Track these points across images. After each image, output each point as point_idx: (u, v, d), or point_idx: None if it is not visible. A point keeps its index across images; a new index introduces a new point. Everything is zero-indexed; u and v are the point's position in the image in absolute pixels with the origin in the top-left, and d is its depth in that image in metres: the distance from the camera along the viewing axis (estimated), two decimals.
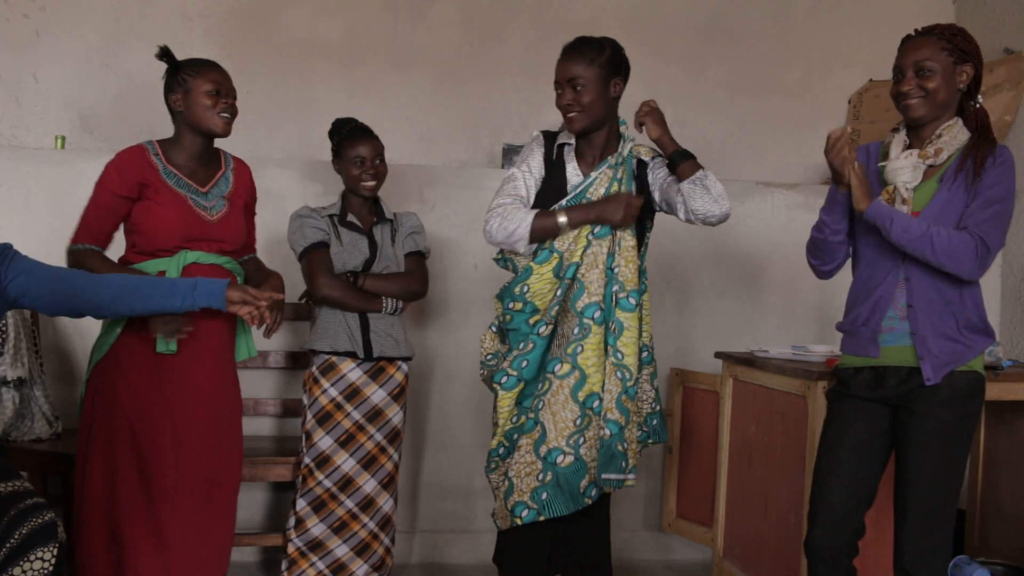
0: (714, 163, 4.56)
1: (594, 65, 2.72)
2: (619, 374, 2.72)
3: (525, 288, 2.75)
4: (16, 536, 2.22)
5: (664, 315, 4.09)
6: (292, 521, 3.20)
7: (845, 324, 2.63)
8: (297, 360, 3.78)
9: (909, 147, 2.53)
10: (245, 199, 2.92)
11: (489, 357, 2.95)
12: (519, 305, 2.78)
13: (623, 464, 2.73)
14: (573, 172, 2.83)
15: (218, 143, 2.88)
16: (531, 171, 2.83)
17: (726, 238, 4.17)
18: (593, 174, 2.77)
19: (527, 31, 4.58)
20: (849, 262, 2.70)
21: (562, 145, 2.85)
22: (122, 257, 2.78)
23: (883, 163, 2.54)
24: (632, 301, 2.73)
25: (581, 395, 2.71)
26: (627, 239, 2.75)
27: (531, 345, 2.78)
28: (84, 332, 3.62)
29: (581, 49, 2.74)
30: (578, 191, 2.77)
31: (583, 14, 4.56)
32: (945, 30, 2.47)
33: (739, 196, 4.24)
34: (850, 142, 2.45)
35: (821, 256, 2.67)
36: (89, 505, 2.68)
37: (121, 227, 2.80)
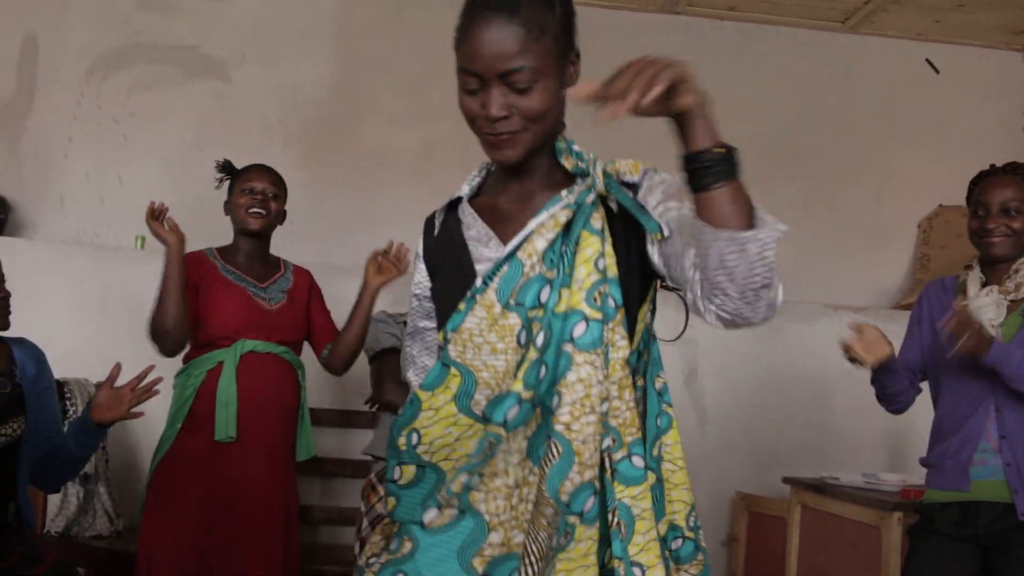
0: (782, 284, 4.56)
1: (544, 38, 1.39)
2: None
3: (414, 437, 1.45)
4: None
5: (729, 437, 4.02)
6: None
7: (931, 458, 2.55)
8: (356, 467, 3.76)
9: (985, 283, 2.51)
10: (307, 295, 2.98)
11: (371, 560, 1.52)
12: (407, 474, 1.47)
13: None
14: (480, 236, 1.51)
15: (282, 251, 2.96)
16: (419, 290, 1.62)
17: (794, 359, 4.11)
18: (524, 231, 1.41)
19: (596, 147, 4.64)
20: (926, 394, 2.66)
21: (453, 204, 1.57)
22: (186, 355, 2.83)
23: (964, 303, 2.51)
24: (639, 464, 1.39)
25: None
26: (616, 341, 1.39)
27: (408, 547, 1.45)
28: (150, 428, 3.64)
29: (516, 7, 1.37)
30: (501, 270, 1.41)
31: (651, 134, 4.61)
32: None
33: (807, 318, 4.20)
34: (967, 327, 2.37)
35: (886, 402, 2.68)
36: None
37: None
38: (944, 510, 2.46)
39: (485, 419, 1.39)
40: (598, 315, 1.36)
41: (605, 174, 1.44)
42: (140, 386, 2.43)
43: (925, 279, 4.23)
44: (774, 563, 3.65)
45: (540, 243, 1.40)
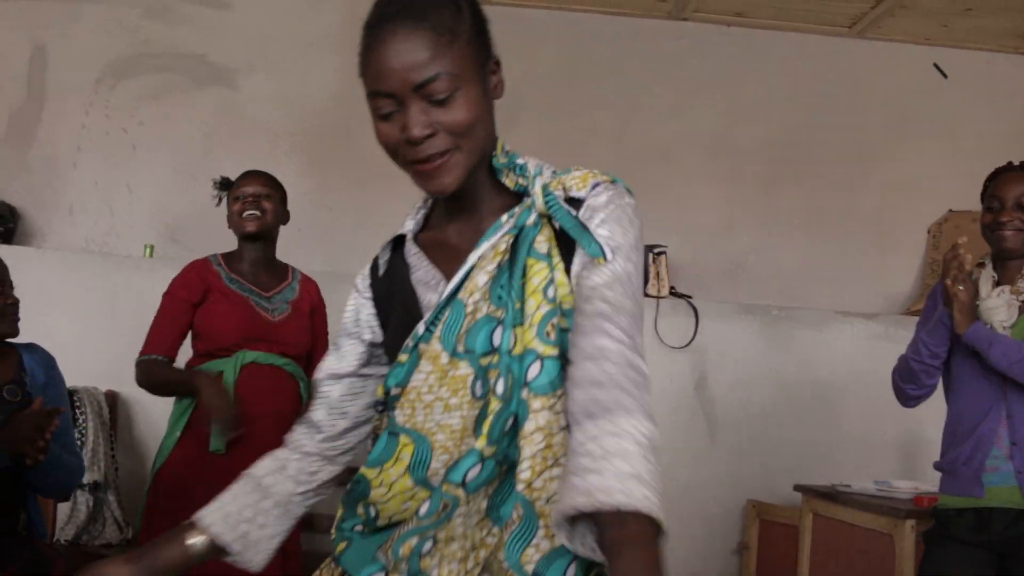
0: (790, 290, 4.57)
1: (457, 41, 1.20)
2: None
3: (371, 510, 1.30)
4: None
5: (740, 444, 4.00)
6: None
7: (944, 463, 2.54)
8: None
9: (997, 283, 2.49)
10: (310, 308, 2.96)
11: None
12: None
13: None
14: (428, 278, 1.33)
15: (289, 259, 2.96)
16: (355, 331, 1.39)
17: (804, 366, 4.10)
18: (464, 267, 1.25)
19: (605, 154, 4.64)
20: (939, 396, 2.63)
21: (397, 240, 1.40)
22: (188, 362, 2.83)
23: (976, 302, 2.49)
24: None
25: None
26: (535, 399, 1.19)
27: None
28: (160, 437, 3.64)
29: (422, 13, 1.19)
30: (443, 315, 1.25)
31: (659, 140, 4.63)
32: None
33: (817, 325, 4.18)
34: (960, 264, 2.41)
35: (915, 379, 2.57)
36: None
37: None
38: (959, 516, 2.44)
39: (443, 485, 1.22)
40: (553, 351, 1.18)
41: (544, 190, 1.24)
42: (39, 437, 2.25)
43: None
44: (786, 571, 3.63)
45: (481, 278, 1.22)
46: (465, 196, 1.28)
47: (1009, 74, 4.80)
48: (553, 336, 1.18)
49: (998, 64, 4.80)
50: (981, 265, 2.57)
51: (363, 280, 1.39)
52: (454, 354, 1.22)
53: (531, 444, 1.15)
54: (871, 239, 4.72)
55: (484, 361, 1.21)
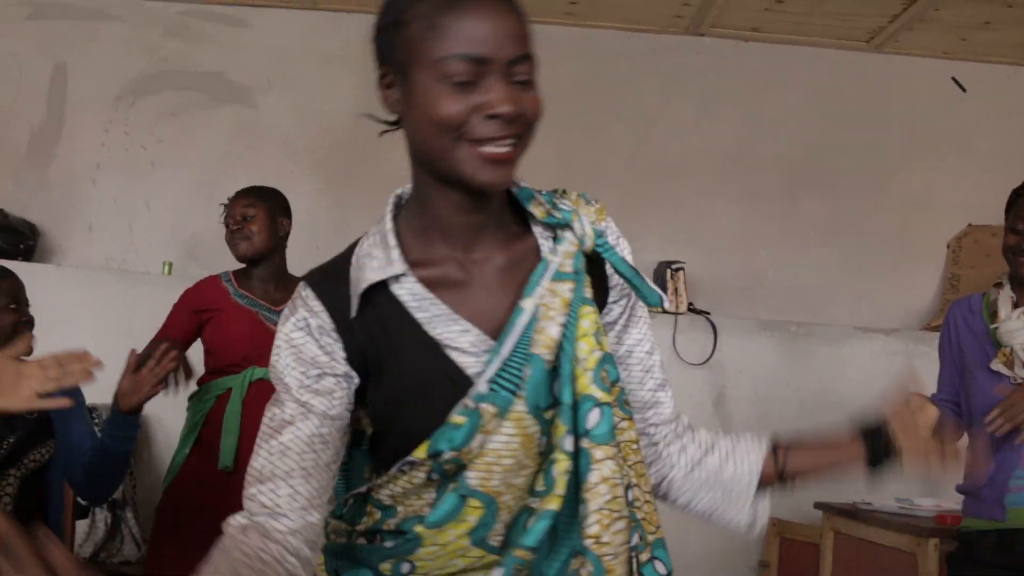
0: (810, 306, 4.54)
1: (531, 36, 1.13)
2: None
3: (404, 567, 1.17)
4: None
5: None
6: None
7: (966, 485, 2.51)
8: None
9: (1016, 304, 2.46)
10: None
11: None
12: None
13: None
14: (440, 322, 1.16)
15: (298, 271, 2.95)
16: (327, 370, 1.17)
17: (824, 383, 4.07)
18: (522, 317, 1.14)
19: (622, 170, 4.64)
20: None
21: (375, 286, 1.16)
22: (199, 379, 2.83)
23: (995, 325, 2.47)
24: (662, 571, 1.22)
25: None
26: (619, 423, 1.18)
27: None
28: None
29: None
30: (523, 373, 1.13)
31: (676, 155, 4.61)
32: None
33: (837, 341, 4.16)
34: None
35: None
36: None
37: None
38: (982, 538, 2.42)
39: (502, 549, 1.14)
40: (609, 398, 1.12)
41: (596, 232, 1.17)
42: (157, 366, 2.42)
43: (955, 300, 4.18)
44: None
45: (555, 331, 1.12)
46: (488, 206, 1.15)
47: None
48: (607, 382, 1.13)
49: (1017, 78, 4.77)
50: (999, 285, 2.54)
51: (313, 320, 1.14)
52: (535, 410, 1.12)
53: (597, 497, 1.09)
54: (890, 254, 4.69)
55: (548, 415, 1.13)
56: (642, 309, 1.27)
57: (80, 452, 2.46)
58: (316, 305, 1.15)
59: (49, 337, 2.58)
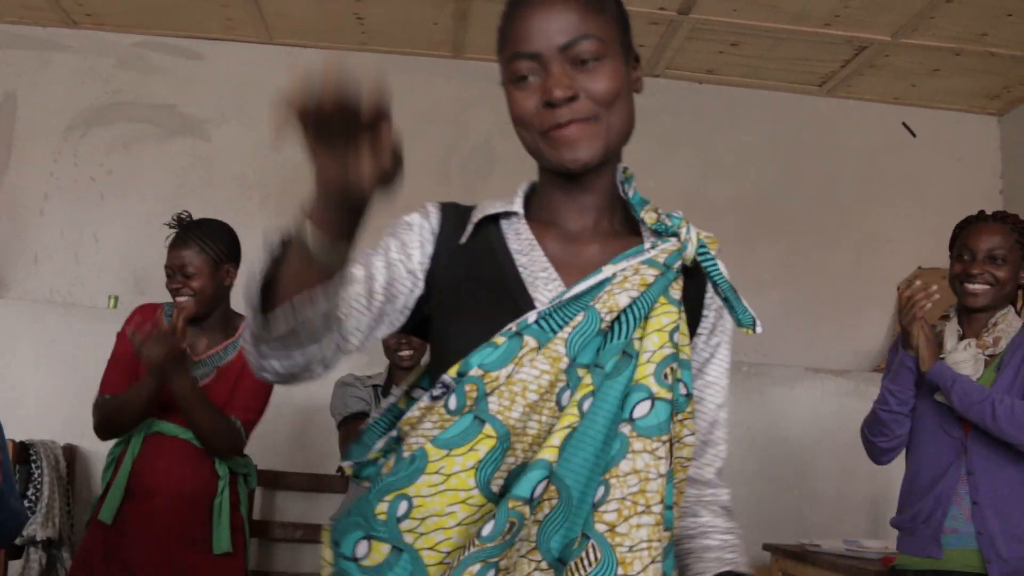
0: (762, 347, 4.55)
1: (605, 12, 1.20)
2: None
3: (401, 506, 1.10)
4: None
5: None
6: None
7: (903, 521, 2.50)
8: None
9: (962, 336, 2.47)
10: (241, 366, 2.60)
11: None
12: (376, 554, 1.10)
13: None
14: (532, 263, 1.22)
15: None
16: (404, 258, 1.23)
17: (775, 424, 4.07)
18: (598, 275, 1.17)
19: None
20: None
21: (493, 218, 1.27)
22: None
23: (941, 355, 2.47)
24: None
25: None
26: (684, 437, 1.18)
27: None
28: None
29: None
30: (574, 319, 1.15)
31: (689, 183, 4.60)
32: (1019, 222, 2.44)
33: (788, 382, 4.17)
34: (921, 303, 2.37)
35: (885, 430, 2.49)
36: None
37: None
38: None
39: (500, 496, 1.09)
40: (667, 395, 1.11)
41: (700, 243, 1.20)
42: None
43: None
44: None
45: (623, 299, 1.14)
46: (592, 190, 1.24)
47: (977, 133, 4.85)
48: (670, 380, 1.13)
49: (966, 124, 4.86)
50: (946, 318, 2.55)
51: (426, 222, 1.24)
52: (574, 363, 1.12)
53: (623, 486, 1.08)
54: (842, 295, 4.73)
55: (580, 372, 1.13)
56: (725, 353, 1.31)
57: None
58: (435, 214, 1.25)
59: None
